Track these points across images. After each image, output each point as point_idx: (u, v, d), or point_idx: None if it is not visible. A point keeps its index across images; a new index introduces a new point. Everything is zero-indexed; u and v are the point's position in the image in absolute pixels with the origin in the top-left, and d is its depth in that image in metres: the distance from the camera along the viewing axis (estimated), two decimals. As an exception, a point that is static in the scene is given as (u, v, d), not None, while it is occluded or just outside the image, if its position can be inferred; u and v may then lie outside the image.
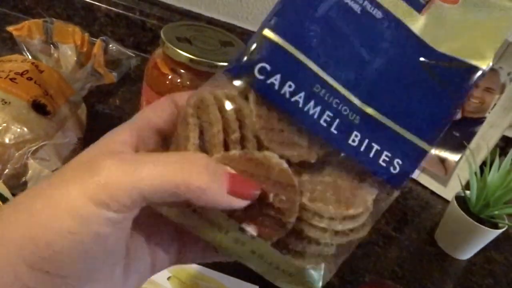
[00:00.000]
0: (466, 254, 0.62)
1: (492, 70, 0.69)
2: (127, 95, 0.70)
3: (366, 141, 0.22)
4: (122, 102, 0.68)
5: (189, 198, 0.20)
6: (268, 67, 0.21)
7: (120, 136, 0.23)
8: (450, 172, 0.72)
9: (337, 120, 0.22)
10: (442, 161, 0.73)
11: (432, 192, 0.74)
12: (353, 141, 0.22)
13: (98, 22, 0.81)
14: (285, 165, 0.22)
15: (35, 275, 0.20)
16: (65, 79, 0.54)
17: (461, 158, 0.72)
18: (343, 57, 0.22)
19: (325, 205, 0.22)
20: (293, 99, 0.21)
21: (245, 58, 0.22)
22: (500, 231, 0.59)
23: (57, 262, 0.20)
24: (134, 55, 0.72)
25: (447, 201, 0.71)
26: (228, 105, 0.22)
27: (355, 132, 0.22)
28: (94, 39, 0.69)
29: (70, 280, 0.20)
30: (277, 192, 0.21)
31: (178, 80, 0.43)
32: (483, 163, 0.64)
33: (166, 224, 0.25)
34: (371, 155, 0.22)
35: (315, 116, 0.21)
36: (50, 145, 0.44)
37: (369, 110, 0.22)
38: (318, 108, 0.21)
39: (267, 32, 0.21)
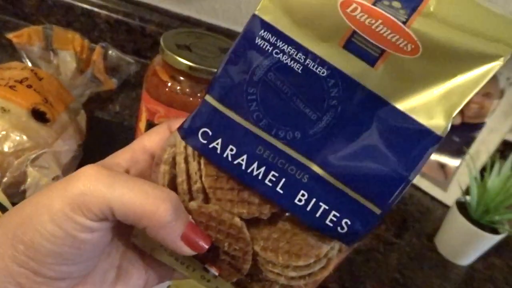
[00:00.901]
0: (467, 259, 0.62)
1: (491, 75, 0.69)
2: (127, 102, 0.70)
3: (313, 200, 0.21)
4: (122, 108, 0.68)
5: (146, 226, 0.21)
6: (209, 132, 0.22)
7: (114, 159, 0.25)
8: (450, 177, 0.72)
9: (283, 180, 0.22)
10: (442, 166, 0.73)
11: (432, 198, 0.74)
12: (300, 200, 0.22)
13: (97, 28, 0.81)
14: (236, 219, 0.23)
15: (25, 273, 0.21)
16: (64, 86, 0.54)
17: (461, 163, 0.72)
18: (287, 117, 0.21)
19: (275, 256, 0.23)
20: (235, 162, 0.22)
21: (190, 122, 0.23)
22: (500, 236, 0.59)
23: (41, 262, 0.21)
24: (133, 61, 0.72)
25: (447, 206, 0.71)
26: (191, 157, 0.23)
27: (302, 191, 0.22)
28: (94, 45, 0.69)
29: (55, 282, 0.22)
30: (230, 242, 0.23)
31: (178, 88, 0.43)
32: (483, 168, 0.64)
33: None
34: (318, 214, 0.22)
35: (260, 177, 0.22)
36: (50, 153, 0.44)
37: (317, 169, 0.21)
38: (263, 169, 0.22)
39: (208, 98, 0.22)
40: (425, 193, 0.75)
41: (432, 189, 0.74)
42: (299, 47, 0.21)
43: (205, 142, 0.22)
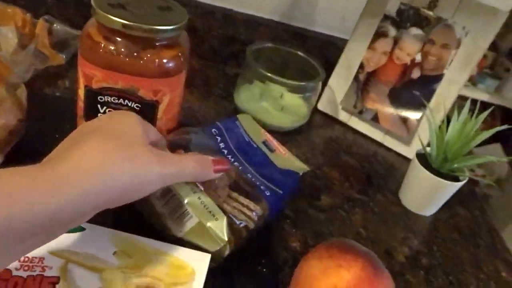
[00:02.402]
0: (430, 210, 0.62)
1: (447, 25, 0.68)
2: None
3: (259, 182, 0.47)
4: (72, 83, 0.66)
5: (196, 181, 0.40)
6: (217, 131, 0.52)
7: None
8: (412, 132, 0.72)
9: (240, 167, 0.48)
10: (404, 121, 0.73)
11: (397, 153, 0.74)
12: (249, 174, 0.48)
13: (44, 4, 0.77)
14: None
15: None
16: (2, 61, 0.51)
17: (422, 116, 0.71)
18: (242, 151, 0.51)
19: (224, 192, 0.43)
20: (224, 152, 0.49)
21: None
22: (460, 183, 0.59)
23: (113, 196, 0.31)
24: (81, 35, 0.69)
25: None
26: None
27: (248, 174, 0.48)
28: (37, 21, 0.66)
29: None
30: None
31: (112, 48, 0.41)
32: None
33: None
34: (262, 187, 0.47)
35: (231, 160, 0.49)
36: (-18, 127, 0.41)
37: (256, 173, 0.49)
38: (236, 163, 0.49)
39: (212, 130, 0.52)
40: (389, 150, 0.75)
41: (396, 145, 0.74)
42: (248, 138, 0.55)
43: (215, 134, 0.52)
